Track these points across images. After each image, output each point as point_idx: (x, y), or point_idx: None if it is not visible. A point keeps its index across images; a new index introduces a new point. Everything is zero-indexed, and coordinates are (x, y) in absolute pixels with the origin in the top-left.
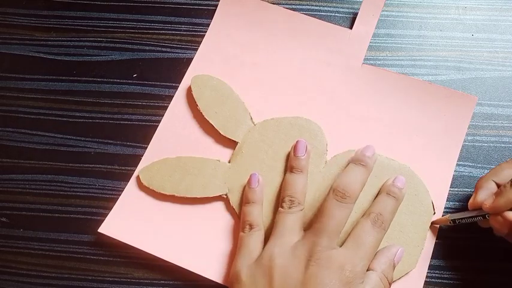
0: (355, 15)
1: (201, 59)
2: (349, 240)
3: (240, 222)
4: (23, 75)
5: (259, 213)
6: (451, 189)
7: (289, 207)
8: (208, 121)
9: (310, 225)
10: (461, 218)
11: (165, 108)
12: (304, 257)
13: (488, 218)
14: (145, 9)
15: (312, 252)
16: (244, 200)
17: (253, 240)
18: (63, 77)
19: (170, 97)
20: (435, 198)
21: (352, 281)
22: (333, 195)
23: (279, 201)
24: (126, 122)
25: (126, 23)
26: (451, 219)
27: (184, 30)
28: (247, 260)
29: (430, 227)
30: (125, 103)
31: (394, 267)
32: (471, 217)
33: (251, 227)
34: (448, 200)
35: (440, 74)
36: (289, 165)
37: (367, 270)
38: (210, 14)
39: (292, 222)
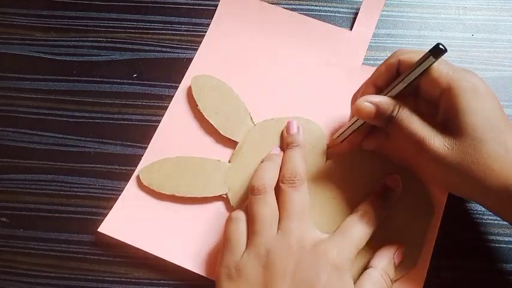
0: (355, 15)
1: (201, 59)
2: (336, 232)
3: None
4: (23, 75)
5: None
6: None
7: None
8: (208, 121)
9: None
10: (343, 132)
11: (165, 108)
12: (288, 244)
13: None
14: (145, 9)
15: (295, 239)
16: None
17: (240, 233)
18: (63, 77)
19: (170, 97)
20: (435, 198)
21: (340, 266)
22: (284, 184)
23: None
24: (126, 122)
25: (126, 23)
26: (337, 136)
27: (184, 30)
28: (235, 255)
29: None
30: (125, 103)
31: (394, 265)
32: (349, 126)
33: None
34: (448, 199)
35: None
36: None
37: (367, 268)
38: (210, 14)
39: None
